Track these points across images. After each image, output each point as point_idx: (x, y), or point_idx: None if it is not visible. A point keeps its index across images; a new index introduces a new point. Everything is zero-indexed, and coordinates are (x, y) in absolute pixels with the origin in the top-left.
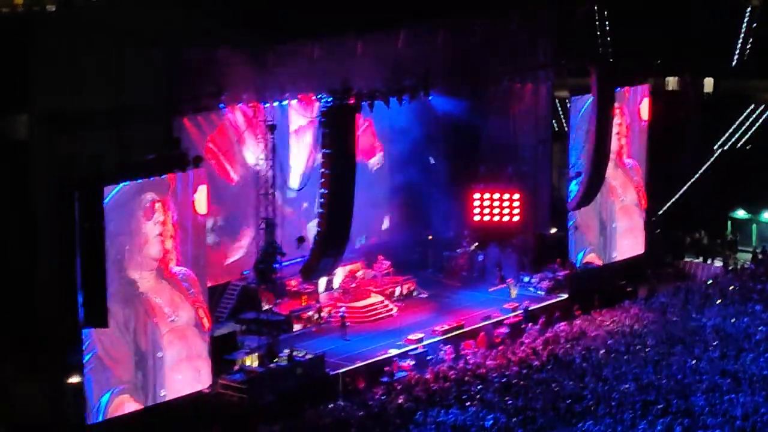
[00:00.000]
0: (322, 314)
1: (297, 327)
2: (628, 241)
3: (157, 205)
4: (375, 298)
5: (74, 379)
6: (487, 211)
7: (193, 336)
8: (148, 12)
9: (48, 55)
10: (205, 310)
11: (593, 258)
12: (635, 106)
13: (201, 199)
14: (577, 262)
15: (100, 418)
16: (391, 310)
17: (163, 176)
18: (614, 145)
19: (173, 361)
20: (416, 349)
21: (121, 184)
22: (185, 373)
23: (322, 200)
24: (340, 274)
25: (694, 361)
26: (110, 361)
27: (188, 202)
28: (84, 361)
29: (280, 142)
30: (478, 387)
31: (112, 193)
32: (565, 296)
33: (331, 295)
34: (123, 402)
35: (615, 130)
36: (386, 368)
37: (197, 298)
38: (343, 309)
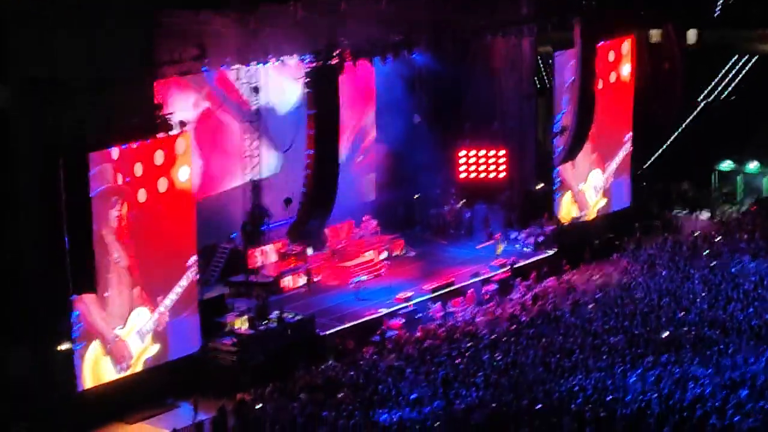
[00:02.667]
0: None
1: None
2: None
3: (117, 201)
4: (363, 258)
5: (64, 347)
6: (473, 168)
7: (120, 274)
8: None
9: (27, 23)
10: (132, 268)
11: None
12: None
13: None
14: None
15: None
16: (380, 269)
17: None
18: None
19: (110, 282)
20: (406, 307)
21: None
22: (115, 290)
23: (308, 161)
24: None
25: (682, 313)
26: None
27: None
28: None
29: (265, 103)
30: (468, 344)
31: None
32: (553, 251)
33: (319, 255)
34: None
35: None
36: (379, 328)
37: (131, 261)
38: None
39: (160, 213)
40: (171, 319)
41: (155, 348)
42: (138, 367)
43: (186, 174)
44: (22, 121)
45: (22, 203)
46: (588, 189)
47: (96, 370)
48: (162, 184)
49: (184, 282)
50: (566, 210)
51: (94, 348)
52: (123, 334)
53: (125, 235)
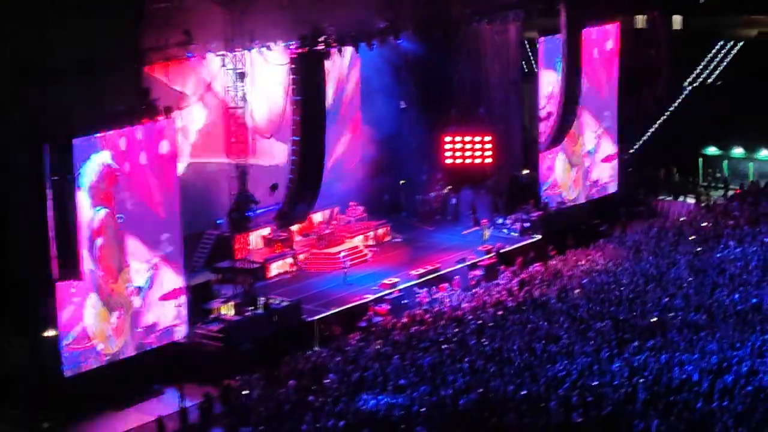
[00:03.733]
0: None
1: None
2: None
3: (104, 177)
4: (349, 244)
5: (50, 333)
6: (459, 153)
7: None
8: None
9: (15, 11)
10: (118, 236)
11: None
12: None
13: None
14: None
15: None
16: (366, 255)
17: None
18: None
19: (105, 246)
20: (392, 293)
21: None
22: (109, 252)
23: (293, 147)
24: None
25: (668, 299)
26: None
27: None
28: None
29: (251, 89)
30: (455, 330)
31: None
32: (539, 237)
33: (305, 241)
34: None
35: None
36: (365, 314)
37: (120, 233)
38: (343, 253)
39: (142, 182)
40: (154, 272)
41: (139, 301)
42: (128, 319)
43: (166, 147)
44: (9, 106)
45: (11, 190)
46: (579, 148)
47: (95, 318)
48: (143, 157)
49: (165, 245)
50: (562, 170)
51: (93, 299)
52: (116, 287)
53: (111, 204)
